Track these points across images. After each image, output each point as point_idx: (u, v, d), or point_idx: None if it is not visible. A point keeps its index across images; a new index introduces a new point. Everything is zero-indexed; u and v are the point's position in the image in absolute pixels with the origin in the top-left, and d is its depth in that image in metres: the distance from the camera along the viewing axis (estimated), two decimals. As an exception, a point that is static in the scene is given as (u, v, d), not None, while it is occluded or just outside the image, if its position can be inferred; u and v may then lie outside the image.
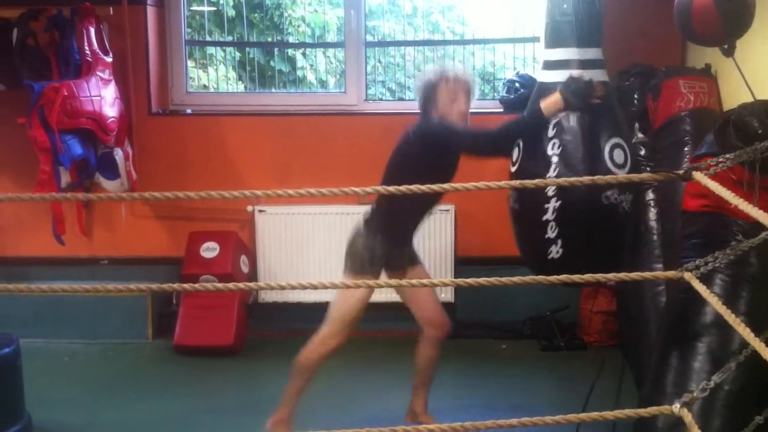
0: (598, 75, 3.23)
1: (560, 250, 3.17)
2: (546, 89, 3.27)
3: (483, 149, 3.39)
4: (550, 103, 3.15)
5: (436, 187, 2.19)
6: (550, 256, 3.20)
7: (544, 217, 3.18)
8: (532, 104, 3.31)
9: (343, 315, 3.53)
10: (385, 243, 3.48)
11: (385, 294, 4.86)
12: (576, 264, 2.96)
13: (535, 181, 2.30)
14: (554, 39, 3.33)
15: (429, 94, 3.46)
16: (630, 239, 3.36)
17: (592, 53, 3.26)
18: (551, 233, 3.18)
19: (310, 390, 4.07)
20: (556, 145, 3.19)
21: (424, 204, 3.53)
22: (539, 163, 3.21)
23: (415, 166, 3.33)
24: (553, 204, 3.15)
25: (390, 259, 3.55)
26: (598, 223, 3.17)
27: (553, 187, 3.12)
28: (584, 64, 3.22)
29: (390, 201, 3.39)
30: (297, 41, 5.70)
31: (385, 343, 4.87)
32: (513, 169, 3.36)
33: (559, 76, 3.23)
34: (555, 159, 3.18)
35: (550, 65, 3.34)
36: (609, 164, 3.18)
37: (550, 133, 3.19)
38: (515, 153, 3.33)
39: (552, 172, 3.18)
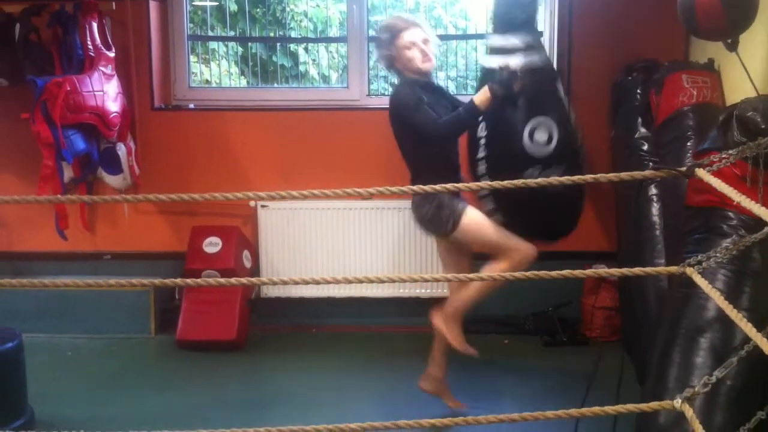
0: (519, 60, 3.53)
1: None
2: (486, 73, 3.67)
3: (435, 137, 3.53)
4: (480, 95, 3.48)
5: (428, 187, 2.21)
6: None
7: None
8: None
9: (500, 237, 3.57)
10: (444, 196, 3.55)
11: (409, 289, 4.89)
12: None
13: (517, 181, 2.29)
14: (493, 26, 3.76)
15: (387, 52, 3.61)
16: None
17: (516, 40, 3.57)
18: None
19: (325, 383, 4.10)
20: (483, 128, 3.62)
21: (450, 147, 3.65)
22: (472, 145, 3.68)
23: (409, 134, 3.58)
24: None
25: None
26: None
27: (483, 154, 3.64)
28: (509, 51, 3.56)
29: (423, 162, 3.58)
30: (299, 36, 5.69)
31: (407, 338, 4.88)
32: (481, 134, 3.71)
33: (491, 61, 3.62)
34: (483, 141, 3.61)
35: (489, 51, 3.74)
36: (528, 143, 3.53)
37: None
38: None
39: (482, 152, 3.61)
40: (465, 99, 5.16)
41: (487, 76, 3.62)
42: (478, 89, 3.63)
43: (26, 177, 4.98)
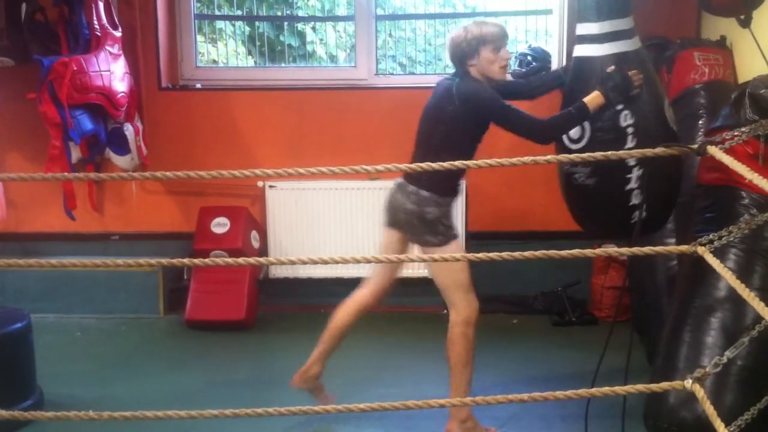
0: (625, 46, 3.22)
1: (644, 213, 3.21)
2: (579, 66, 3.33)
3: (538, 139, 3.31)
4: (593, 100, 3.18)
5: (448, 164, 2.13)
6: (633, 221, 3.23)
7: (628, 187, 3.21)
8: (570, 84, 3.37)
9: (458, 284, 3.41)
10: (452, 201, 3.41)
11: (417, 268, 4.92)
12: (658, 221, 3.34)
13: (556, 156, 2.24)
14: (581, 13, 3.33)
15: (470, 50, 3.33)
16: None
17: (618, 24, 3.24)
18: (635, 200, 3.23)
19: (337, 365, 4.09)
20: (629, 116, 3.20)
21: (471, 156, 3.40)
22: (616, 134, 3.21)
23: (460, 128, 3.28)
24: (636, 173, 3.18)
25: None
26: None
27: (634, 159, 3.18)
28: (609, 37, 3.23)
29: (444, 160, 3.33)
30: (307, 15, 5.65)
31: (414, 317, 4.88)
32: (578, 146, 3.30)
33: (586, 50, 3.29)
34: (630, 129, 3.19)
35: (580, 39, 3.34)
36: (671, 123, 3.26)
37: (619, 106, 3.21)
38: (577, 130, 3.29)
39: (630, 143, 3.18)
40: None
41: (582, 68, 3.34)
42: (568, 79, 3.42)
43: (34, 157, 4.98)
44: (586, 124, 3.24)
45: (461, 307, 3.39)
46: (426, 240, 3.37)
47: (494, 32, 3.35)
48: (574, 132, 3.28)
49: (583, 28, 3.28)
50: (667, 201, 3.37)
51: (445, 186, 3.32)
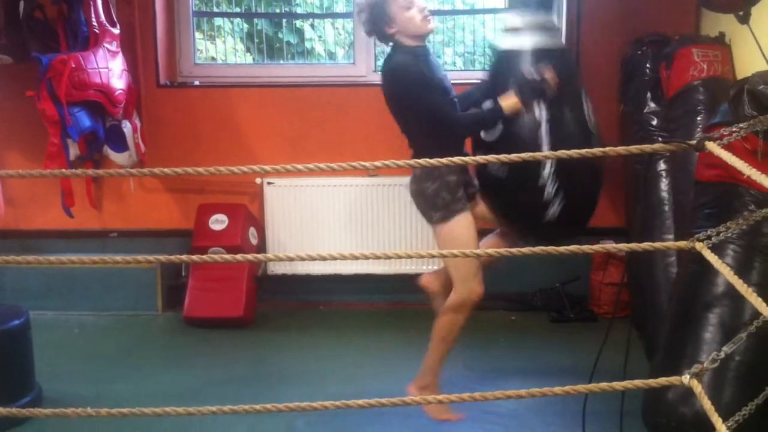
0: (547, 41, 3.35)
1: (559, 210, 3.27)
2: (503, 57, 3.42)
3: (446, 132, 3.28)
4: (509, 103, 3.21)
5: (436, 161, 2.12)
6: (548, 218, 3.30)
7: (541, 182, 3.25)
8: (492, 73, 3.46)
9: (458, 265, 3.32)
10: (450, 171, 3.29)
11: (415, 265, 4.91)
12: (575, 215, 3.31)
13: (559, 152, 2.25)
14: (510, 4, 3.57)
15: (379, 15, 3.23)
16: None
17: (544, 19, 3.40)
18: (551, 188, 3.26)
19: (332, 360, 4.09)
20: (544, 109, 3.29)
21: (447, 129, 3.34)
22: (528, 126, 3.28)
23: (408, 110, 3.29)
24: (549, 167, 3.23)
25: (466, 186, 3.39)
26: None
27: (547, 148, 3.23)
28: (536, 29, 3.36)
29: (427, 144, 3.30)
30: (305, 12, 5.65)
31: (413, 314, 4.86)
32: (491, 138, 3.34)
33: (512, 43, 3.38)
34: (545, 125, 3.27)
35: (507, 30, 3.47)
36: (588, 115, 3.37)
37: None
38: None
39: (544, 133, 3.26)
40: (471, 75, 5.14)
41: (502, 58, 3.42)
42: (493, 70, 3.48)
43: (32, 155, 4.98)
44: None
45: (458, 290, 3.36)
46: (430, 216, 3.35)
47: None
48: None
49: (509, 20, 3.43)
50: (588, 196, 3.43)
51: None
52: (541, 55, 3.30)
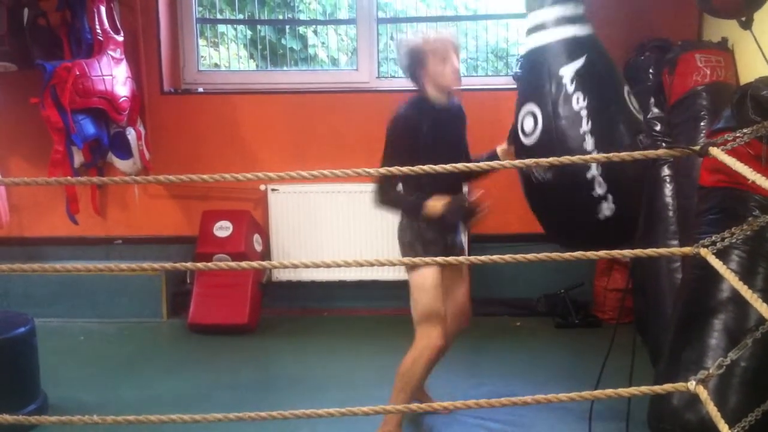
0: (576, 30, 3.16)
1: (612, 206, 3.06)
2: (531, 58, 3.25)
3: (374, 191, 3.39)
4: (432, 209, 3.24)
5: (439, 167, 2.11)
6: (601, 215, 3.08)
7: (589, 174, 3.05)
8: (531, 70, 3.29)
9: (427, 309, 3.36)
10: (428, 228, 3.35)
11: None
12: (630, 219, 3.05)
13: (563, 158, 2.22)
14: (531, 2, 3.27)
15: (417, 59, 3.36)
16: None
17: (570, 9, 3.17)
18: (600, 190, 3.06)
19: (336, 367, 4.06)
20: (581, 98, 3.09)
21: (445, 183, 3.29)
22: (569, 121, 3.09)
23: (387, 152, 3.37)
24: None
25: (444, 245, 3.40)
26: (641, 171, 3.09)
27: (592, 142, 3.03)
28: (561, 21, 3.16)
29: (411, 186, 3.34)
30: (308, 19, 5.66)
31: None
32: (531, 139, 3.20)
33: (539, 39, 3.19)
34: (584, 112, 3.07)
35: (530, 30, 3.27)
36: (632, 109, 3.15)
37: (570, 88, 3.09)
38: (530, 123, 3.20)
39: (585, 126, 3.06)
40: (474, 81, 5.15)
41: (529, 62, 3.29)
42: (523, 73, 3.42)
43: (36, 162, 4.99)
44: (539, 116, 3.17)
45: (419, 338, 3.38)
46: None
47: (444, 35, 3.42)
48: (528, 125, 3.21)
49: (531, 18, 3.25)
50: (637, 198, 3.18)
51: (405, 211, 3.38)
52: (569, 47, 3.14)
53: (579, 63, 3.10)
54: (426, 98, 3.40)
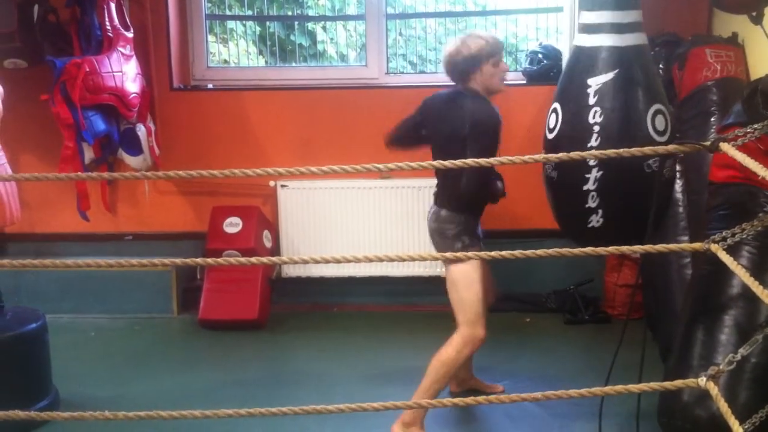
0: (635, 39, 3.13)
1: (600, 220, 3.12)
2: (581, 53, 3.20)
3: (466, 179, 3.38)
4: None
5: (448, 163, 2.11)
6: (590, 225, 3.14)
7: (585, 187, 3.11)
8: (568, 70, 3.30)
9: (461, 304, 3.42)
10: (471, 219, 3.45)
11: (429, 267, 4.96)
12: (616, 232, 3.02)
13: (572, 153, 2.22)
14: (590, 1, 3.21)
15: (475, 60, 3.40)
16: (667, 205, 3.31)
17: (620, 16, 3.12)
18: (592, 203, 3.12)
19: (346, 362, 4.07)
20: (598, 113, 3.10)
21: (488, 174, 3.50)
22: (581, 131, 3.12)
23: (473, 149, 3.29)
24: (594, 174, 3.08)
25: (479, 237, 3.50)
26: (640, 191, 3.06)
27: (594, 160, 3.06)
28: (618, 28, 3.12)
29: (464, 177, 3.34)
30: (317, 14, 5.66)
31: (427, 316, 4.87)
32: (551, 136, 3.27)
33: (584, 40, 3.18)
34: (597, 128, 3.09)
35: (585, 29, 3.23)
36: (651, 131, 3.10)
37: (591, 100, 3.10)
38: (553, 119, 3.24)
39: (594, 141, 3.09)
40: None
41: (578, 56, 3.23)
42: (566, 69, 3.38)
43: (47, 158, 5.01)
44: (559, 117, 3.20)
45: (463, 331, 3.42)
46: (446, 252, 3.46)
47: (495, 46, 3.45)
48: (551, 122, 3.26)
49: (583, 17, 3.24)
50: (626, 213, 3.17)
51: (460, 203, 3.39)
52: (606, 57, 3.12)
53: (608, 77, 3.10)
54: (482, 96, 3.44)
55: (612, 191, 3.10)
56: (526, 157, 2.04)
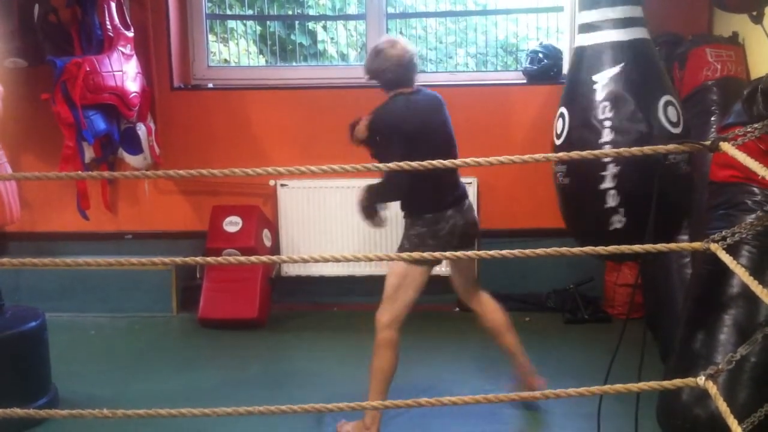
0: (638, 33, 3.06)
1: (623, 219, 2.95)
2: (584, 53, 3.13)
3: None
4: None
5: (450, 162, 2.11)
6: (612, 228, 2.97)
7: (602, 186, 2.93)
8: (572, 72, 3.23)
9: (402, 303, 3.47)
10: (423, 223, 3.45)
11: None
12: (642, 231, 2.81)
13: (572, 153, 2.20)
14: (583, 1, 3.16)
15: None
16: (690, 198, 3.16)
17: (620, 12, 3.06)
18: (612, 202, 2.95)
19: (346, 361, 4.06)
20: (608, 108, 2.98)
21: (433, 179, 3.34)
22: (591, 129, 2.99)
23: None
24: (611, 170, 2.91)
25: (448, 237, 3.46)
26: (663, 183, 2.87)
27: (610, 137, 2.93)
28: (621, 23, 3.05)
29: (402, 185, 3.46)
30: (317, 14, 5.66)
31: (427, 316, 4.84)
32: (559, 141, 3.12)
33: (584, 40, 3.11)
34: (608, 123, 2.96)
35: (580, 28, 3.18)
36: (664, 122, 2.99)
37: (599, 96, 2.99)
38: (560, 124, 3.12)
39: (606, 137, 2.95)
40: (483, 76, 5.16)
41: (580, 57, 3.15)
42: (570, 72, 3.30)
43: (47, 158, 5.01)
44: (566, 117, 3.09)
45: (383, 309, 3.46)
46: (402, 244, 3.55)
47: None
48: (558, 127, 3.14)
49: (582, 17, 3.16)
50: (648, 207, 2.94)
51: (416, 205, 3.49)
52: (610, 52, 3.03)
53: (614, 70, 3.00)
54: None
55: (633, 186, 2.91)
56: (526, 157, 2.03)
